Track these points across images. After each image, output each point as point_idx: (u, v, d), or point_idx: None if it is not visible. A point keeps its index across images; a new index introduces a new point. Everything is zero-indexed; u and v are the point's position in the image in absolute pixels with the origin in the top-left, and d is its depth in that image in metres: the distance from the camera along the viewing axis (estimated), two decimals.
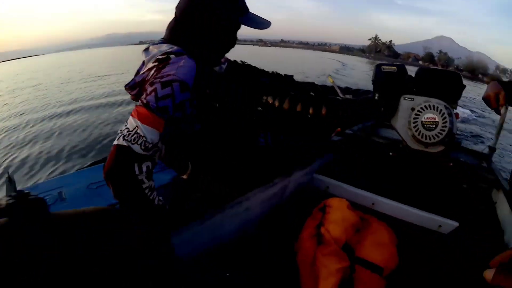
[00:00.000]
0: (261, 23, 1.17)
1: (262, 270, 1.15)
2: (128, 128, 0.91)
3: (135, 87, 1.06)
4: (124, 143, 0.89)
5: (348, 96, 1.87)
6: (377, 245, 1.24)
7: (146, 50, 1.10)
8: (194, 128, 1.16)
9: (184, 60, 1.00)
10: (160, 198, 1.01)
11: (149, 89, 0.95)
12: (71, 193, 1.25)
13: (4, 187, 1.43)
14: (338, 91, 1.82)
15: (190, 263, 1.00)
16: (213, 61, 1.22)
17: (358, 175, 1.78)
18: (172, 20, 1.14)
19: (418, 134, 1.59)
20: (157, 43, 1.11)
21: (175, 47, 1.06)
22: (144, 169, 0.92)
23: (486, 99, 1.55)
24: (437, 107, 1.58)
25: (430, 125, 1.58)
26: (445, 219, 1.43)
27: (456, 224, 1.39)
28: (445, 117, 1.57)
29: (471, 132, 7.97)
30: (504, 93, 1.48)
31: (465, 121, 9.26)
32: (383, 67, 1.73)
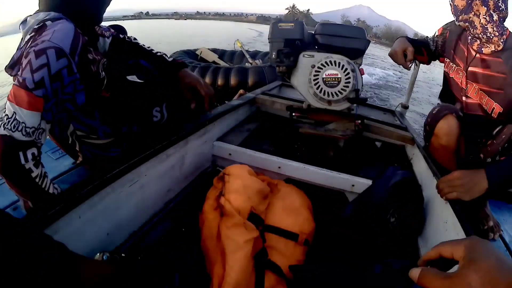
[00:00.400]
0: None
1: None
2: (7, 115, 0.86)
3: (15, 65, 0.96)
4: (6, 132, 0.84)
5: (256, 61, 1.78)
6: (289, 210, 1.19)
7: (24, 22, 1.02)
8: (78, 101, 1.07)
9: (60, 24, 0.95)
10: (55, 185, 0.98)
11: (24, 61, 0.89)
12: None
13: None
14: (247, 55, 1.73)
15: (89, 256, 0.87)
16: (93, 18, 1.15)
17: (263, 139, 1.74)
18: None
19: (320, 92, 1.55)
20: (34, 13, 1.03)
21: (52, 13, 0.99)
22: (29, 156, 0.88)
23: (392, 55, 1.56)
24: (339, 63, 1.55)
25: (332, 82, 1.55)
26: (358, 178, 1.43)
27: (369, 182, 1.39)
28: (347, 73, 1.55)
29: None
30: (412, 48, 1.49)
31: (385, 82, 9.90)
32: (280, 24, 1.65)
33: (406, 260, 1.11)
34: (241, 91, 2.38)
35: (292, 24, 1.65)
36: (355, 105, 1.67)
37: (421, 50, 1.63)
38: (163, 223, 1.22)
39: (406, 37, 1.62)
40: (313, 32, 1.74)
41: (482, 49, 1.32)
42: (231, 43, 6.52)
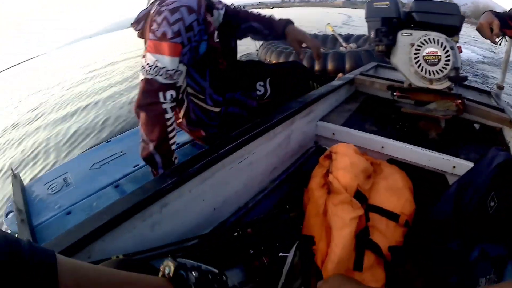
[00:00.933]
0: None
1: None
2: (148, 63, 1.03)
3: (140, 21, 1.18)
4: (148, 77, 1.02)
5: (351, 45, 1.79)
6: (391, 190, 1.18)
7: None
8: (200, 50, 1.24)
9: None
10: (175, 154, 1.12)
11: (159, 18, 1.05)
12: (76, 177, 1.25)
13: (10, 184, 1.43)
14: (340, 39, 1.74)
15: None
16: None
17: (364, 119, 1.73)
18: None
19: (421, 70, 1.51)
20: None
21: None
22: (168, 97, 1.04)
23: (479, 29, 1.47)
24: (438, 40, 1.49)
25: (432, 60, 1.49)
26: (459, 159, 1.38)
27: (471, 164, 1.33)
28: (447, 51, 1.48)
29: (479, 72, 7.68)
30: (497, 22, 1.40)
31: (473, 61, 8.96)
32: (375, 3, 1.62)
33: (500, 247, 1.06)
34: (340, 74, 2.38)
35: (387, 2, 1.62)
36: (454, 84, 1.59)
37: (508, 23, 1.50)
38: (268, 199, 1.29)
39: (491, 11, 1.50)
40: (407, 10, 1.68)
41: None
42: (320, 28, 6.41)
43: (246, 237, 1.01)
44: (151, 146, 1.05)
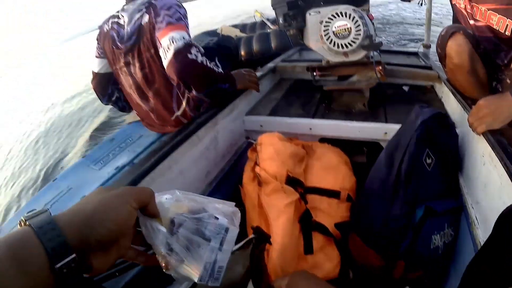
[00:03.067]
0: None
1: None
2: (173, 40, 1.26)
3: (131, 36, 1.41)
4: (179, 45, 1.25)
5: (275, 27, 1.79)
6: (327, 169, 1.20)
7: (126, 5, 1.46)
8: None
9: None
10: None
11: (170, 9, 1.33)
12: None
13: None
14: (268, 23, 1.74)
15: None
16: None
17: (290, 105, 1.74)
18: None
19: (334, 45, 1.52)
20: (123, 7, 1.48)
21: None
22: (198, 53, 1.28)
23: None
24: (346, 13, 1.50)
25: (343, 33, 1.50)
26: (389, 124, 1.40)
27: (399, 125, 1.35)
28: (356, 21, 1.49)
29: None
30: None
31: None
32: None
33: (448, 201, 1.08)
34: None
35: None
36: (374, 52, 1.62)
37: None
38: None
39: None
40: None
41: None
42: (250, 15, 6.41)
43: None
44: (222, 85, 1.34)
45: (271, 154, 1.10)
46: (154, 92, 1.49)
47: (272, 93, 1.95)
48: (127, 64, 1.48)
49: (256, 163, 1.15)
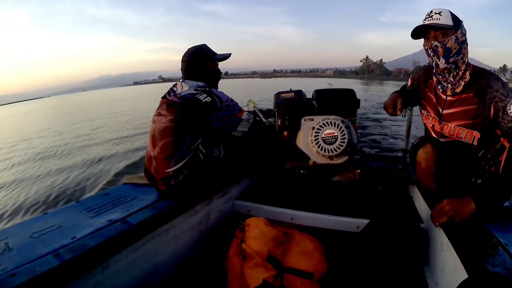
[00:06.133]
0: (226, 55, 1.84)
1: None
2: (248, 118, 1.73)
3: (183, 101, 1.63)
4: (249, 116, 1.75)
5: (270, 120, 2.04)
6: (303, 253, 1.38)
7: (185, 81, 1.70)
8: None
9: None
10: None
11: (231, 103, 1.68)
12: (17, 242, 1.29)
13: None
14: (260, 115, 1.99)
15: None
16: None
17: (277, 195, 1.94)
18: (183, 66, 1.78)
19: (321, 149, 1.79)
20: (183, 80, 1.73)
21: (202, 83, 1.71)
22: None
23: (384, 108, 1.71)
24: (335, 123, 1.80)
25: (330, 140, 1.78)
26: (361, 219, 1.61)
27: (367, 221, 1.56)
28: (342, 130, 1.78)
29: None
30: (401, 99, 1.64)
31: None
32: (282, 94, 1.95)
33: None
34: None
35: (292, 93, 1.95)
36: (357, 156, 1.88)
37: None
38: (193, 269, 1.46)
39: (401, 88, 1.79)
40: (311, 98, 2.02)
41: (456, 90, 1.47)
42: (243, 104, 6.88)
43: None
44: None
45: (257, 235, 1.31)
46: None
47: (262, 183, 2.17)
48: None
49: (242, 240, 1.33)
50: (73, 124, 14.58)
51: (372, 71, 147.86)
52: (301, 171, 1.94)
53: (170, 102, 1.63)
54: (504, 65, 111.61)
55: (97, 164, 6.21)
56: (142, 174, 1.71)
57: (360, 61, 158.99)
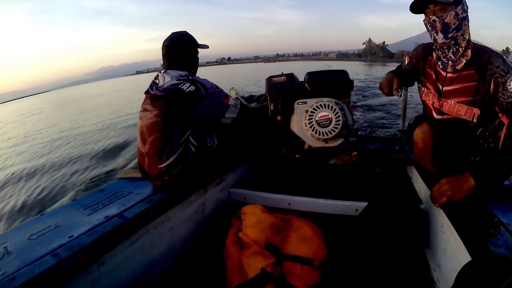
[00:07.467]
0: (207, 46, 1.84)
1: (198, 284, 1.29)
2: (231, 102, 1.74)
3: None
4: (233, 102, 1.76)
5: (253, 104, 2.02)
6: (302, 239, 1.36)
7: (166, 72, 1.65)
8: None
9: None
10: None
11: (216, 90, 1.67)
12: (16, 246, 1.29)
13: None
14: (242, 100, 1.96)
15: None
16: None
17: (274, 181, 1.93)
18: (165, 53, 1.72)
19: (316, 132, 1.75)
20: (165, 70, 1.67)
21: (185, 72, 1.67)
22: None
23: (379, 88, 1.69)
24: (328, 105, 1.76)
25: (324, 122, 1.75)
26: (360, 202, 1.60)
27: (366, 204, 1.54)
28: (337, 112, 1.74)
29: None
30: (397, 79, 1.60)
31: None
32: (274, 78, 1.91)
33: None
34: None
35: (284, 77, 1.91)
36: (353, 138, 1.87)
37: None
38: (191, 261, 1.45)
39: (396, 68, 1.77)
40: (303, 81, 1.98)
41: (457, 67, 1.44)
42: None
43: None
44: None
45: (253, 223, 1.29)
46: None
47: (256, 169, 2.16)
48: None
49: (239, 229, 1.31)
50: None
51: (375, 53, 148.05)
52: (297, 156, 1.92)
53: (153, 96, 1.61)
54: (507, 48, 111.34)
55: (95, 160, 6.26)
56: (137, 168, 1.68)
57: (363, 43, 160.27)
